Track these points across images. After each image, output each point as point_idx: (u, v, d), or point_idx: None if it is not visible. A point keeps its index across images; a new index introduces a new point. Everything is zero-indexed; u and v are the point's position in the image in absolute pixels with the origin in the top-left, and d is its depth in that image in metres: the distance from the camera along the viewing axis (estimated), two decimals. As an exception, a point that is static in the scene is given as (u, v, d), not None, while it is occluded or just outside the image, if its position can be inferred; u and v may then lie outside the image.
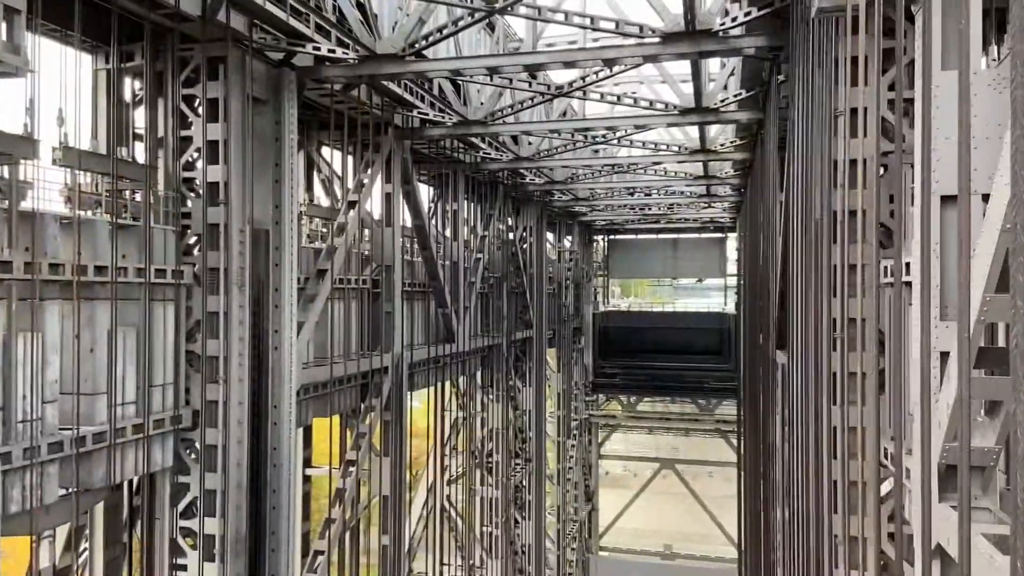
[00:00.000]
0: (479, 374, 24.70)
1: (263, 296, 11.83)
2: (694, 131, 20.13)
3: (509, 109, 15.09)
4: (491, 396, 25.33)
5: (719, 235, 40.81)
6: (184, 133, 11.24)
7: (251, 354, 11.46)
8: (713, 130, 19.68)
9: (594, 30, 10.43)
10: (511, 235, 25.85)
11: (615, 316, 41.64)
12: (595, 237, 41.94)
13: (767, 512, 25.65)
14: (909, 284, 7.64)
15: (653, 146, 18.55)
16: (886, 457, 8.74)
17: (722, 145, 19.13)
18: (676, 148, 18.87)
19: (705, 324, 40.30)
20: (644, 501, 45.63)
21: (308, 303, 13.34)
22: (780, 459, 22.22)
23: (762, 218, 21.22)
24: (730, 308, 41.88)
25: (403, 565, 16.85)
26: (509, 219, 25.58)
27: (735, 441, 43.44)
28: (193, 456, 11.06)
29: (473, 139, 18.90)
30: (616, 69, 12.12)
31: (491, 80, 13.02)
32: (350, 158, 15.38)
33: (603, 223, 38.49)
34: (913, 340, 5.21)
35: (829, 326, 9.17)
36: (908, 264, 7.44)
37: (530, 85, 13.35)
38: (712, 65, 18.03)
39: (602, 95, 13.88)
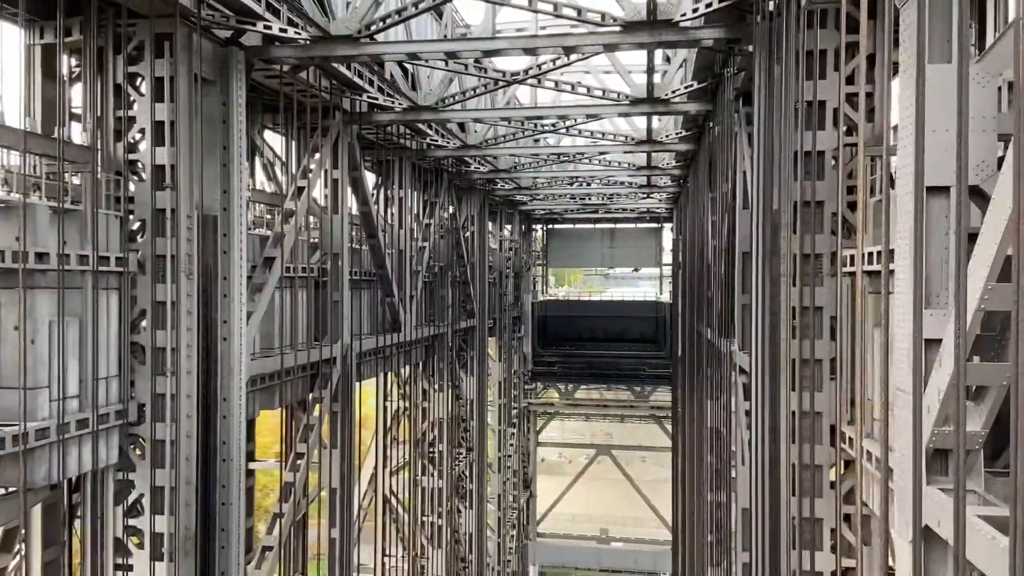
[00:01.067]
0: (424, 364, 24.47)
1: (211, 285, 11.38)
2: (639, 122, 20.30)
3: (461, 96, 14.88)
4: (435, 386, 25.14)
5: (655, 225, 41.44)
6: (126, 113, 10.69)
7: (199, 345, 11.02)
8: (658, 122, 19.90)
9: (556, 16, 10.35)
10: (454, 224, 25.64)
11: (554, 305, 41.91)
12: (534, 226, 42.05)
13: (703, 495, 26.29)
14: (876, 274, 7.86)
15: (601, 135, 18.63)
16: (843, 441, 9.01)
17: (667, 136, 19.36)
18: (623, 138, 19.00)
19: (641, 313, 40.96)
20: (580, 487, 46.21)
21: (256, 292, 12.91)
22: (719, 443, 22.76)
23: (705, 208, 21.61)
24: (665, 297, 42.66)
25: (352, 558, 16.58)
26: (451, 207, 25.36)
27: (669, 427, 44.42)
28: (139, 452, 10.58)
29: (420, 125, 18.61)
30: (573, 57, 12.09)
31: (447, 65, 12.80)
32: (296, 142, 14.96)
33: (542, 212, 38.60)
34: (898, 327, 5.34)
35: (788, 314, 9.36)
36: (876, 253, 7.64)
37: (486, 72, 13.19)
38: (657, 56, 18.18)
39: (557, 83, 13.83)
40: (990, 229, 3.99)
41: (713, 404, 23.96)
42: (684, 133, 18.78)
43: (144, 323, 10.61)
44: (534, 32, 15.29)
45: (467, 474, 28.93)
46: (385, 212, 20.80)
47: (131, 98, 10.64)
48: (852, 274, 8.60)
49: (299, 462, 14.65)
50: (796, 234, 9.25)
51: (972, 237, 5.06)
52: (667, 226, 40.95)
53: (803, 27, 9.09)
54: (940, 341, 5.03)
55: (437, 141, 19.75)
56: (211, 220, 11.37)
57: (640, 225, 41.44)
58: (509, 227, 36.72)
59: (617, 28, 10.71)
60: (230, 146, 11.52)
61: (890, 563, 9.45)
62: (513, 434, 38.18)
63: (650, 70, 12.96)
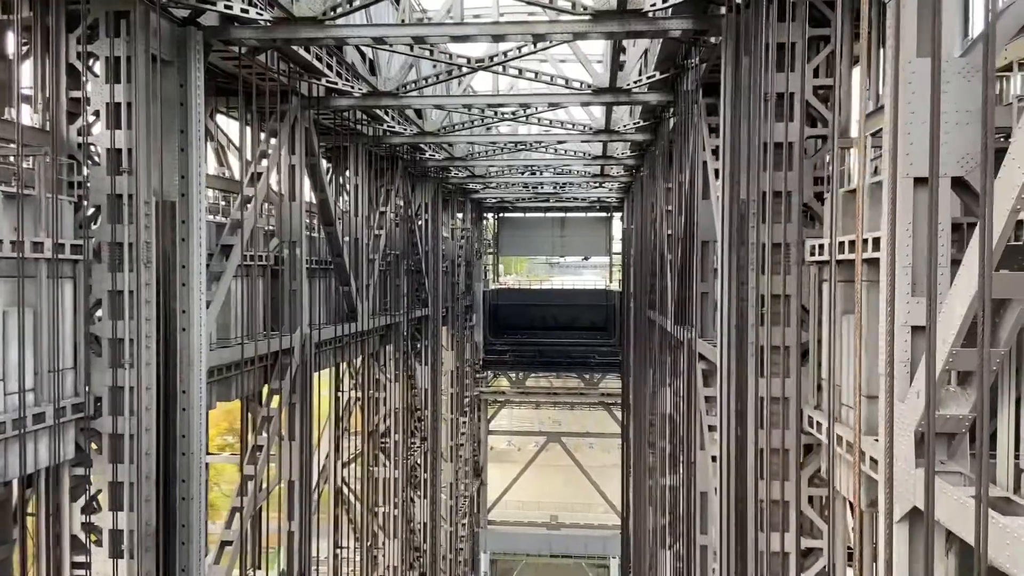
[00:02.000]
0: (378, 353, 24.21)
1: (169, 274, 11.01)
2: (596, 111, 20.39)
3: (423, 82, 14.69)
4: (390, 376, 24.92)
5: (605, 215, 41.78)
6: (76, 94, 10.25)
7: (158, 336, 10.67)
8: (614, 112, 19.99)
9: (529, 3, 10.27)
10: (408, 211, 25.37)
11: (505, 294, 41.96)
12: (485, 215, 41.95)
13: (656, 479, 26.72)
14: (847, 263, 8.05)
15: (560, 124, 18.64)
16: (811, 425, 9.23)
17: (624, 126, 19.48)
18: (582, 127, 19.05)
19: (591, 301, 41.31)
20: (529, 474, 46.47)
21: (214, 281, 12.56)
22: (672, 428, 23.12)
23: (659, 198, 21.85)
24: (615, 285, 43.09)
25: (311, 551, 16.35)
26: (406, 195, 25.08)
27: (618, 413, 44.99)
28: (96, 447, 10.21)
29: (378, 112, 18.34)
30: (541, 45, 12.03)
31: (412, 50, 12.60)
32: (253, 127, 14.56)
33: (494, 201, 38.53)
34: (883, 315, 5.47)
35: (757, 302, 9.53)
36: (848, 243, 7.82)
37: (451, 58, 13.04)
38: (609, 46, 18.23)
39: (521, 71, 13.77)
40: (992, 219, 4.10)
41: (666, 391, 24.36)
42: (641, 123, 18.92)
43: (100, 313, 10.22)
44: (495, 19, 15.17)
45: (420, 464, 28.82)
46: (337, 199, 20.46)
47: (83, 79, 10.19)
48: (821, 263, 8.79)
49: (257, 454, 14.36)
50: (765, 223, 9.41)
51: (955, 227, 5.22)
52: (617, 215, 41.32)
53: (773, 20, 9.22)
54: (924, 328, 5.18)
55: (394, 128, 19.49)
56: (169, 206, 10.99)
57: (590, 214, 41.72)
58: (461, 215, 36.55)
59: (587, 17, 10.70)
60: (188, 130, 11.13)
61: (851, 543, 9.74)
62: (465, 423, 38.15)
63: (615, 59, 12.99)
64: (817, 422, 8.82)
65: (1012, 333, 4.16)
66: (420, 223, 27.14)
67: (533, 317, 40.91)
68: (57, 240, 9.43)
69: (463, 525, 38.72)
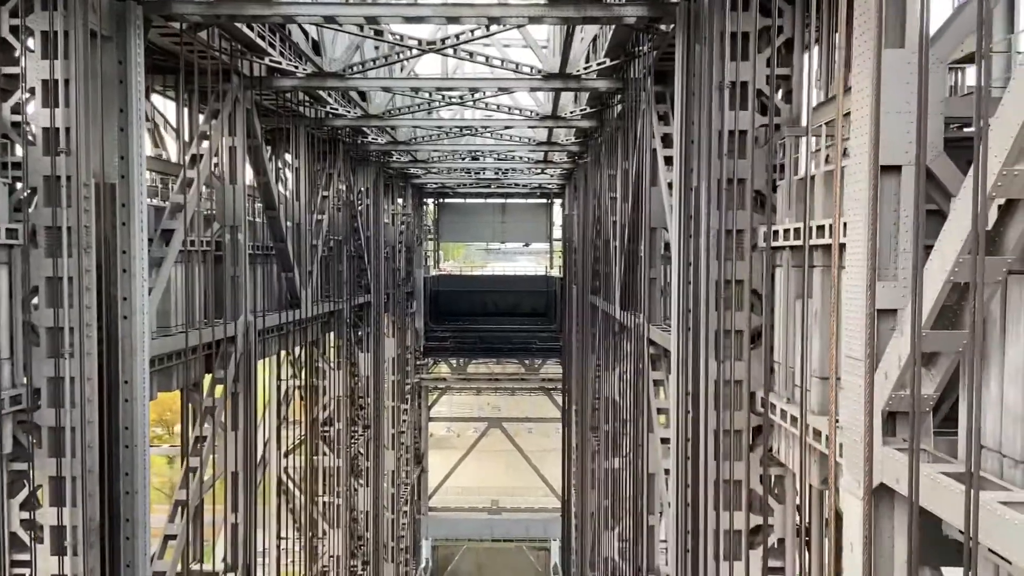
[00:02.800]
0: (320, 341, 23.81)
1: (109, 259, 10.55)
2: (542, 97, 20.38)
3: (372, 63, 14.42)
4: (332, 364, 24.56)
5: (545, 201, 41.93)
6: (9, 71, 9.71)
7: (99, 324, 10.23)
8: (561, 98, 20.03)
9: (485, -15, 10.17)
10: (350, 196, 24.95)
11: (446, 280, 41.76)
12: (425, 200, 41.59)
13: (599, 462, 27.10)
14: (798, 248, 8.24)
15: (507, 110, 18.58)
16: (763, 406, 9.46)
17: (571, 113, 19.54)
18: (529, 112, 19.03)
19: (532, 287, 41.47)
20: (468, 460, 46.55)
21: (154, 267, 12.12)
22: (616, 412, 23.46)
23: (603, 185, 22.03)
24: (555, 271, 43.36)
25: (255, 543, 16.03)
26: (347, 179, 24.65)
27: (558, 398, 45.43)
28: (35, 440, 9.76)
29: (322, 93, 17.93)
30: (494, 28, 11.94)
31: (361, 31, 12.34)
32: (191, 107, 14.08)
33: (435, 186, 38.23)
34: (849, 299, 5.63)
35: (712, 287, 9.70)
36: (795, 229, 8.01)
37: (402, 39, 12.82)
38: (559, 33, 18.24)
39: (472, 54, 13.65)
40: (964, 205, 4.25)
41: (611, 375, 24.69)
42: (588, 110, 19.00)
43: (36, 301, 9.74)
44: (449, 0, 14.96)
45: (363, 452, 28.54)
46: (275, 183, 19.95)
47: (14, 54, 9.65)
48: (775, 249, 9.00)
49: (200, 446, 13.98)
50: (719, 210, 9.58)
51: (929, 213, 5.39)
52: (557, 202, 41.51)
53: (727, 8, 9.35)
54: (894, 312, 5.36)
55: (337, 110, 19.10)
56: (108, 189, 10.52)
57: (531, 200, 41.81)
58: (401, 200, 36.15)
59: (543, 1, 10.66)
60: (128, 109, 10.66)
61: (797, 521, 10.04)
62: (406, 410, 37.93)
63: (568, 45, 12.99)
64: (771, 403, 9.04)
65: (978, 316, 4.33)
66: (361, 208, 26.73)
67: (474, 303, 40.87)
68: (-10, 224, 8.93)
69: (404, 513, 38.58)
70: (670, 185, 13.36)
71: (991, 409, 4.83)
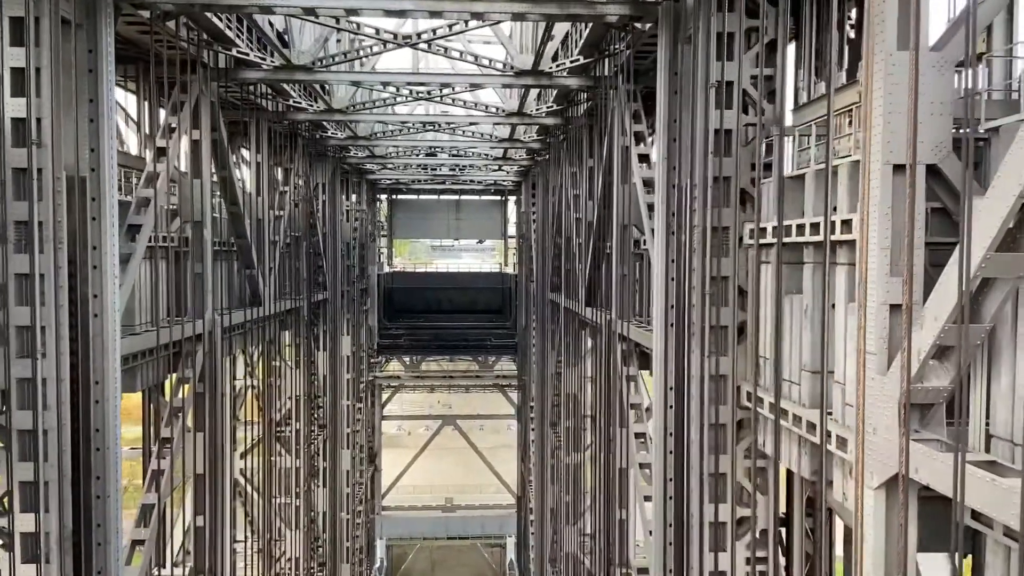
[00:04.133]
0: (277, 339, 23.33)
1: (79, 255, 10.15)
2: (507, 94, 20.35)
3: (343, 56, 14.20)
4: (289, 362, 24.11)
5: (499, 198, 41.89)
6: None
7: (70, 323, 9.84)
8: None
9: (471, -19, 10.10)
10: (308, 192, 24.51)
11: (400, 277, 41.42)
12: (379, 196, 41.14)
13: (559, 458, 27.24)
14: (795, 245, 8.42)
15: (474, 106, 18.51)
16: (749, 400, 9.65)
17: (536, 110, 19.57)
18: (495, 109, 18.99)
19: (487, 284, 41.42)
20: (420, 458, 46.27)
21: (122, 264, 11.70)
22: (576, 408, 23.61)
23: (565, 182, 22.13)
24: (508, 268, 43.38)
25: (222, 546, 15.64)
26: (305, 174, 24.21)
27: (512, 395, 45.50)
28: (2, 444, 9.33)
29: (286, 86, 17.59)
30: (473, 24, 11.88)
31: (337, 23, 12.13)
32: (154, 99, 13.64)
33: (389, 182, 37.83)
34: (866, 295, 5.78)
35: (700, 283, 9.85)
36: (796, 226, 8.19)
37: (378, 33, 12.65)
38: (529, 31, 18.24)
39: (446, 50, 13.55)
40: (999, 204, 4.40)
41: (571, 371, 24.84)
42: (554, 107, 19.05)
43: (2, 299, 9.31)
44: None
45: (319, 452, 28.11)
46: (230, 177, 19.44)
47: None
48: (762, 245, 9.17)
49: (166, 448, 13.57)
50: (707, 208, 9.73)
51: (935, 211, 5.57)
52: (512, 199, 41.54)
53: (713, 9, 9.49)
54: (901, 306, 5.51)
55: (300, 103, 18.75)
56: (78, 182, 10.12)
57: (485, 197, 41.72)
58: (355, 196, 35.67)
59: (527, -3, 10.64)
60: (99, 99, 10.27)
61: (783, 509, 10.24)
62: (360, 409, 37.48)
63: (544, 42, 13.00)
64: (757, 397, 9.23)
65: (999, 311, 4.50)
66: (318, 204, 26.29)
67: (429, 301, 40.61)
68: (-43, 218, 8.51)
69: (359, 512, 38.15)
70: (645, 182, 13.54)
71: (1002, 401, 5.03)
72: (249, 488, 23.81)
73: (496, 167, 31.12)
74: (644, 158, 13.82)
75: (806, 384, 8.14)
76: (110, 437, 10.41)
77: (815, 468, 8.04)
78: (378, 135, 23.42)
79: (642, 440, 14.33)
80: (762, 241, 9.03)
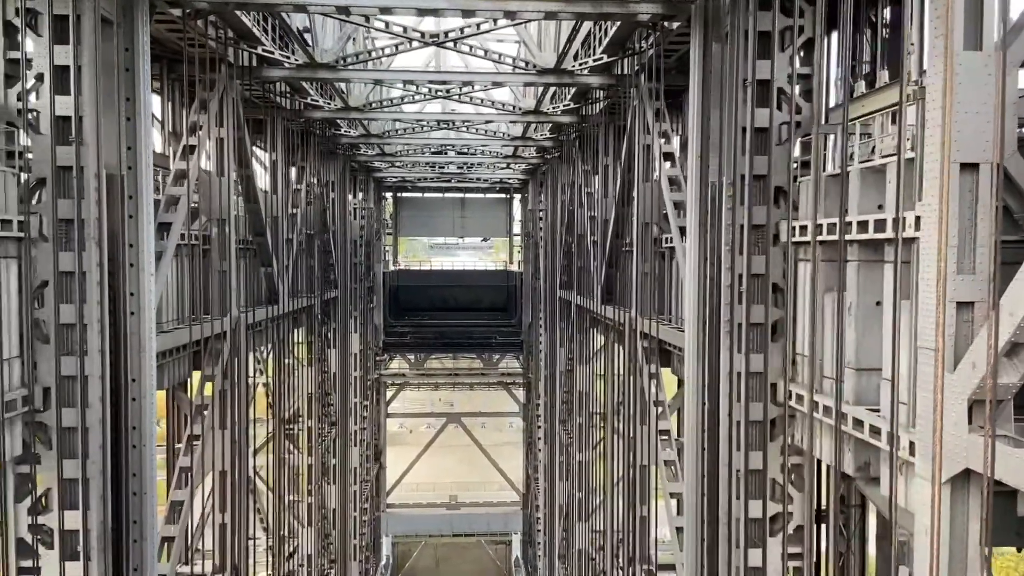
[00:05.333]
0: (291, 336, 23.35)
1: (116, 253, 10.18)
2: (520, 92, 20.39)
3: (367, 55, 14.23)
4: (303, 360, 24.14)
5: (504, 196, 41.93)
6: (15, 56, 9.26)
7: (108, 321, 9.87)
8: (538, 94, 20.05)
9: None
10: (320, 189, 24.53)
11: (406, 275, 41.42)
12: (384, 194, 41.14)
13: (568, 454, 27.31)
14: (831, 243, 8.48)
15: (491, 104, 18.55)
16: (788, 397, 9.73)
17: (553, 108, 19.61)
18: (511, 107, 19.03)
19: (492, 282, 41.45)
20: (423, 456, 46.28)
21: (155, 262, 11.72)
22: (588, 405, 23.65)
23: (579, 180, 22.18)
24: (513, 266, 43.40)
25: (246, 543, 15.69)
26: (319, 172, 24.23)
27: (516, 392, 45.56)
28: (42, 441, 9.36)
29: (304, 84, 17.61)
30: (502, 23, 11.92)
31: (368, 21, 12.16)
32: (180, 98, 13.66)
33: (395, 180, 37.85)
34: (924, 292, 5.86)
35: (735, 281, 9.90)
36: (828, 225, 8.25)
37: (405, 31, 12.68)
38: (550, 29, 18.27)
39: (472, 48, 13.59)
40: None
41: (582, 368, 24.92)
42: (571, 105, 19.09)
43: (46, 297, 9.33)
44: None
45: (330, 450, 28.15)
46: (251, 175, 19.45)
47: (19, 38, 9.21)
48: (802, 243, 9.24)
49: (194, 444, 13.61)
50: (743, 206, 9.79)
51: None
52: (517, 197, 41.58)
53: (752, 8, 9.54)
54: (970, 304, 5.59)
55: (317, 101, 18.77)
56: (116, 181, 10.14)
57: (490, 195, 41.75)
58: (362, 194, 35.69)
59: (561, -4, 10.69)
60: (135, 98, 10.30)
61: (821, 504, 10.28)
62: (367, 406, 37.52)
63: (570, 41, 13.05)
64: (796, 394, 9.30)
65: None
66: (327, 202, 26.30)
67: (434, 299, 40.61)
68: (3, 216, 8.53)
69: (365, 509, 38.20)
70: (671, 180, 13.60)
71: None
72: (262, 485, 23.85)
73: (504, 165, 31.17)
74: (668, 156, 13.87)
75: (850, 381, 8.21)
76: (146, 434, 10.45)
77: (860, 464, 8.13)
78: (390, 133, 23.45)
79: (665, 437, 14.39)
80: (801, 239, 9.10)
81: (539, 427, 34.68)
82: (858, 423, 7.81)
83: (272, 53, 14.18)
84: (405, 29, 12.79)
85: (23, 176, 9.27)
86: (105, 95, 9.68)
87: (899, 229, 6.19)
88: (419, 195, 41.67)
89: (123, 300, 10.27)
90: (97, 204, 9.54)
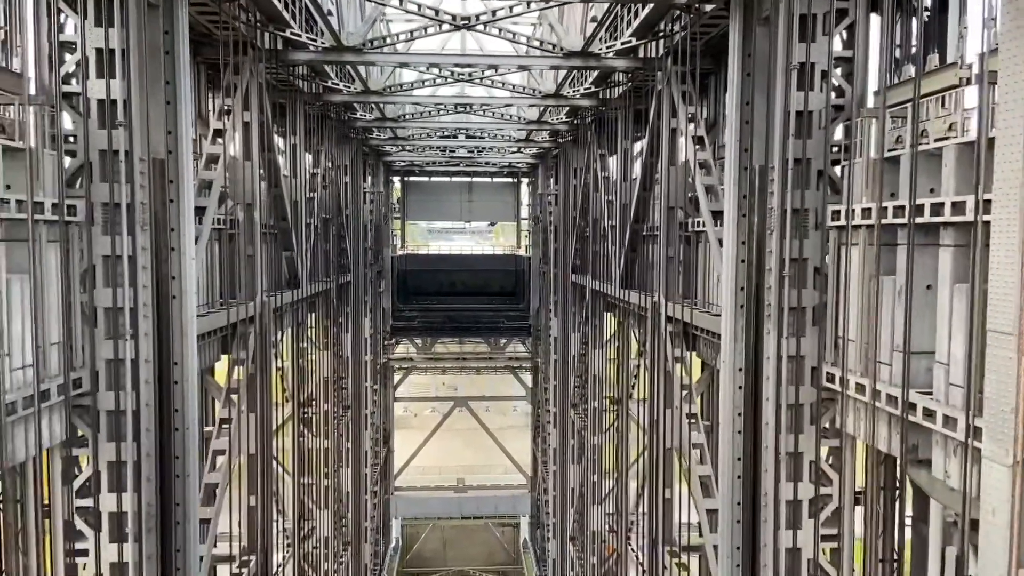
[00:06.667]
0: (307, 320, 23.39)
1: (159, 237, 10.18)
2: (539, 75, 20.30)
3: (396, 38, 14.17)
4: (319, 344, 24.19)
5: (512, 180, 41.85)
6: (62, 38, 9.24)
7: (153, 304, 9.90)
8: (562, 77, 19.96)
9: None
10: (335, 174, 24.48)
11: (413, 259, 41.42)
12: (391, 178, 41.06)
13: (581, 438, 27.44)
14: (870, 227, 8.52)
15: (512, 88, 18.50)
16: (826, 380, 9.80)
17: (573, 91, 19.54)
18: (531, 91, 18.98)
19: (501, 266, 41.47)
20: (428, 440, 46.49)
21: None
22: (601, 389, 23.73)
23: (596, 164, 22.15)
24: (520, 250, 43.40)
25: (273, 525, 15.80)
26: (334, 156, 24.16)
27: (522, 376, 45.71)
28: (90, 424, 9.41)
29: (326, 67, 17.52)
30: (535, 5, 11.86)
31: (401, 3, 12.10)
32: (211, 82, 13.61)
33: (403, 164, 37.75)
34: (997, 274, 5.90)
35: (777, 266, 9.95)
36: (876, 209, 8.28)
37: (436, 14, 12.63)
38: (572, 12, 18.20)
39: (500, 31, 13.54)
40: None
41: (597, 352, 25.01)
42: (592, 89, 19.01)
43: (93, 281, 9.36)
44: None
45: (343, 433, 28.26)
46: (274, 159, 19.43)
47: (63, 20, 9.18)
48: (841, 228, 9.27)
49: (225, 427, 13.68)
50: (786, 190, 9.82)
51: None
52: (525, 181, 41.50)
53: (796, -9, 9.52)
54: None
55: (337, 85, 18.69)
56: (157, 164, 10.13)
57: (497, 180, 41.67)
58: (371, 178, 35.61)
59: (600, -21, 10.64)
60: (176, 81, 10.25)
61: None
62: (376, 390, 37.64)
63: (602, 24, 13.00)
64: (840, 377, 9.36)
65: None
66: (341, 185, 26.25)
67: (442, 283, 40.63)
68: (50, 199, 8.53)
69: (375, 493, 38.41)
70: (702, 165, 13.60)
71: None
72: (280, 469, 23.96)
73: (515, 149, 31.08)
74: (699, 140, 13.86)
75: (898, 364, 8.27)
76: (189, 417, 10.51)
77: (909, 447, 8.21)
78: (406, 117, 23.38)
79: (693, 420, 14.48)
80: (847, 223, 9.12)
81: (548, 411, 34.84)
82: (910, 406, 7.88)
83: (300, 36, 14.11)
84: (437, 12, 12.74)
85: (67, 160, 9.26)
86: (149, 79, 9.65)
87: (977, 213, 6.21)
88: (426, 179, 41.57)
89: (166, 284, 10.29)
90: (142, 188, 9.53)
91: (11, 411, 7.75)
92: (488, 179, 41.53)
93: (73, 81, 9.57)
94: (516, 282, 40.98)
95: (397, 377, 44.37)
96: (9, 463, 7.72)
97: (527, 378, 44.65)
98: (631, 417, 20.75)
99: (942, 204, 7.37)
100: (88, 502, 9.52)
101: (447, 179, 41.27)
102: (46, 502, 9.61)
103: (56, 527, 9.30)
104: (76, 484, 9.50)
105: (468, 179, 41.30)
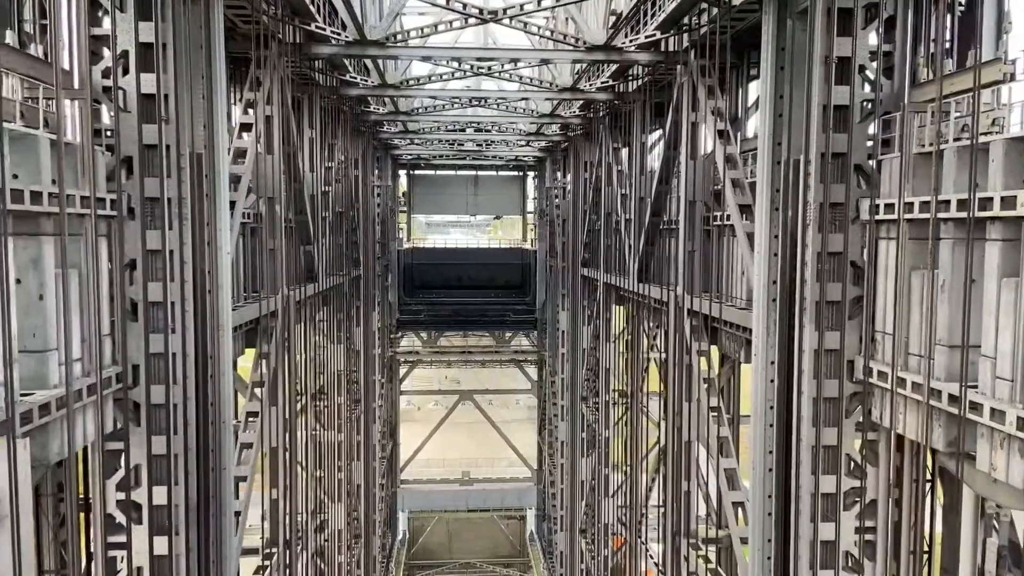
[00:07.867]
0: (321, 314, 23.41)
1: (197, 232, 10.20)
2: (555, 69, 20.30)
3: (420, 31, 14.16)
4: (332, 338, 24.21)
5: (518, 173, 41.85)
6: (99, 32, 9.24)
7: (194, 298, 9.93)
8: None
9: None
10: (348, 168, 24.46)
11: (420, 253, 41.42)
12: (398, 172, 41.01)
13: (592, 431, 27.52)
14: (922, 222, 8.57)
15: (529, 80, 18.50)
16: (869, 375, 9.86)
17: (590, 85, 19.55)
18: (549, 84, 18.98)
19: (507, 260, 41.48)
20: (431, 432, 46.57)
21: (220, 239, 11.74)
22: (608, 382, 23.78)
23: (610, 157, 22.17)
24: (527, 244, 43.41)
25: (295, 519, 15.86)
26: (347, 149, 24.14)
27: (528, 370, 45.76)
28: (132, 418, 9.44)
29: (344, 61, 17.51)
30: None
31: (431, -1, 12.11)
32: (235, 76, 13.60)
33: (410, 157, 37.71)
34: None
35: (813, 259, 10.01)
36: (920, 203, 8.33)
37: (464, 7, 12.64)
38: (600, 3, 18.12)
39: (525, 24, 13.56)
40: None
41: (610, 345, 25.08)
42: (608, 83, 19.02)
43: (136, 275, 9.38)
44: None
45: (354, 426, 28.31)
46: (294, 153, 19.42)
47: (102, 13, 9.18)
48: (887, 221, 9.33)
49: (252, 420, 13.73)
50: (822, 184, 9.87)
51: None
52: (531, 174, 41.48)
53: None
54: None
55: (355, 78, 18.68)
56: (196, 159, 10.15)
57: (503, 173, 41.66)
58: (378, 171, 35.58)
59: (633, -27, 10.66)
60: (213, 76, 10.26)
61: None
62: (383, 384, 37.69)
63: (628, 19, 13.01)
64: (878, 371, 9.44)
65: None
66: (353, 179, 26.23)
67: (448, 276, 40.66)
68: (98, 194, 8.54)
69: (382, 485, 38.50)
70: (728, 159, 13.65)
71: None
72: (295, 462, 24.00)
73: (524, 143, 31.05)
74: (723, 134, 13.90)
75: (942, 357, 8.35)
76: (226, 411, 10.56)
77: (951, 439, 8.29)
78: (418, 110, 23.36)
79: (716, 414, 14.56)
80: (886, 217, 9.19)
81: (556, 404, 34.92)
82: (953, 399, 7.95)
83: (324, 29, 14.11)
84: (464, 6, 12.75)
85: (108, 155, 9.27)
86: (187, 73, 9.66)
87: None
88: (432, 172, 41.56)
89: (204, 278, 10.31)
90: (183, 183, 9.55)
91: (61, 404, 7.78)
92: (494, 172, 41.53)
93: (114, 74, 9.55)
94: (523, 276, 41.03)
95: (403, 371, 44.42)
96: (54, 459, 7.75)
97: (532, 371, 44.72)
98: (643, 410, 20.84)
99: (990, 199, 7.44)
100: (132, 495, 9.55)
101: (453, 172, 41.26)
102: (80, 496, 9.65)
103: (96, 520, 9.33)
104: (116, 478, 9.53)
105: (474, 172, 41.29)
